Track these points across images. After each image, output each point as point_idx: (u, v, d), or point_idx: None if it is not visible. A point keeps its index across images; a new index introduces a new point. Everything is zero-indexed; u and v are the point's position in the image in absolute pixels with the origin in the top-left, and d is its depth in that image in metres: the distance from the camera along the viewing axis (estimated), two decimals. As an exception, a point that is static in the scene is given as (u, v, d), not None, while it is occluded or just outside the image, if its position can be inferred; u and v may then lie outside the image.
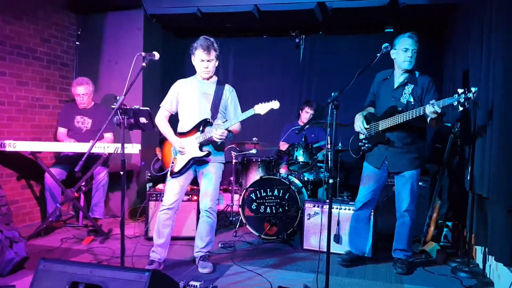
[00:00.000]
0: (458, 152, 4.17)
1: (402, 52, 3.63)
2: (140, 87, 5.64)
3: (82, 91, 5.01)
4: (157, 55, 3.22)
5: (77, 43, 5.84)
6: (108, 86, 5.80)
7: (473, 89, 3.08)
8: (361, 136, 3.92)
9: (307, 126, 5.13)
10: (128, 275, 2.28)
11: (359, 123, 3.85)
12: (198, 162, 3.62)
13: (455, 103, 3.16)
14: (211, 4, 5.47)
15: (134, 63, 3.18)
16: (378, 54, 3.29)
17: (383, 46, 3.25)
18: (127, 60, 5.56)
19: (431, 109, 3.26)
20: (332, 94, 2.98)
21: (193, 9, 5.51)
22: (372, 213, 4.03)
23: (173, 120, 3.78)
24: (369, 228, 4.01)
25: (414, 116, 3.44)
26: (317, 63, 6.46)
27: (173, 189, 3.63)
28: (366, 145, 3.87)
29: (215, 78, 3.76)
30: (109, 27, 5.86)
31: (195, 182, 3.89)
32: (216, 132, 3.44)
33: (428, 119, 3.46)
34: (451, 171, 4.44)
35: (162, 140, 3.99)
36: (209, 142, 3.58)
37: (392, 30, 6.03)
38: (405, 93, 3.68)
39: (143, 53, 3.20)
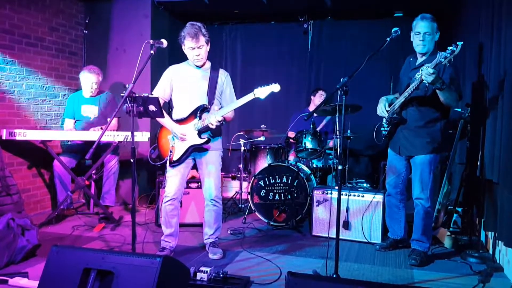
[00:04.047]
0: (468, 137, 4.14)
1: (415, 36, 3.55)
2: (148, 75, 5.64)
3: (92, 79, 5.00)
4: (165, 43, 3.20)
5: (85, 31, 5.84)
6: (117, 74, 5.81)
7: (458, 43, 3.01)
8: (384, 120, 3.84)
9: (315, 114, 5.13)
10: (140, 260, 2.30)
11: (381, 106, 3.78)
12: (197, 150, 3.61)
13: (443, 60, 3.08)
14: (219, -10, 5.45)
15: (142, 50, 3.17)
16: (388, 39, 3.26)
17: (393, 30, 3.20)
18: (135, 48, 5.65)
19: (425, 71, 3.16)
20: (341, 79, 2.96)
21: (200, -4, 5.49)
22: (404, 198, 3.94)
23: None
24: (402, 213, 3.94)
25: (417, 85, 3.34)
26: (325, 49, 6.42)
27: (174, 179, 3.63)
28: (386, 128, 3.80)
29: (209, 64, 3.70)
30: (117, 15, 5.86)
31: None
32: (214, 119, 3.42)
33: (437, 91, 3.35)
34: (461, 157, 4.41)
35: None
36: (207, 128, 3.56)
37: (401, 14, 5.98)
38: (421, 71, 3.55)
39: (151, 41, 3.18)
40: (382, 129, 3.85)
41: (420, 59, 3.65)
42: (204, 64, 3.65)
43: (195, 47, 3.49)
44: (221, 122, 3.50)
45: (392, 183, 3.89)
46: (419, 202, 3.66)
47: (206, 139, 3.56)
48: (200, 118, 3.54)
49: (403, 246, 4.00)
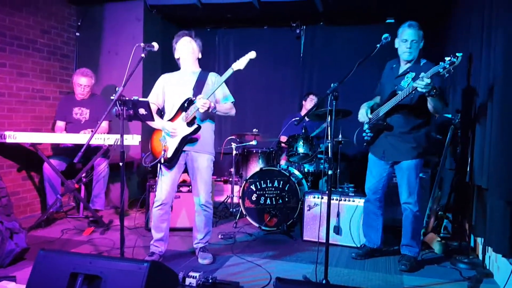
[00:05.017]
0: (458, 143, 4.16)
1: (402, 43, 3.55)
2: (140, 78, 5.63)
3: (85, 82, 5.01)
4: (156, 46, 3.20)
5: (77, 34, 5.82)
6: (109, 77, 5.80)
7: (458, 55, 3.03)
8: (365, 126, 3.85)
9: (307, 119, 5.14)
10: (127, 265, 2.30)
11: (363, 112, 3.78)
12: (189, 141, 3.58)
13: (441, 70, 3.09)
14: (211, -6, 5.45)
15: (133, 54, 3.16)
16: (378, 45, 3.28)
17: (383, 36, 3.22)
18: (127, 51, 5.58)
19: (421, 82, 3.16)
20: (332, 85, 2.97)
21: (193, 0, 5.48)
22: (382, 206, 3.92)
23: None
24: (380, 220, 3.92)
25: (407, 93, 3.35)
26: (318, 54, 6.44)
27: (165, 184, 3.63)
28: (368, 134, 3.80)
29: (199, 69, 3.76)
30: (109, 18, 5.85)
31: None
32: (199, 102, 3.40)
33: (428, 100, 3.37)
34: (451, 162, 4.44)
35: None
36: (194, 118, 3.55)
37: (393, 21, 6.00)
38: (406, 79, 3.58)
39: (142, 44, 3.18)
40: (364, 134, 3.85)
41: (404, 66, 3.67)
42: (195, 63, 3.74)
43: (188, 41, 3.65)
44: (209, 108, 3.45)
45: (373, 188, 3.87)
46: (408, 206, 3.66)
47: (195, 126, 3.54)
48: (186, 110, 3.54)
49: (379, 255, 3.98)
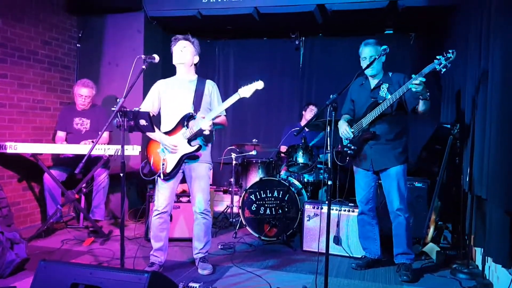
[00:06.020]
0: (457, 153, 4.17)
1: (363, 61, 3.68)
2: (140, 90, 5.65)
3: (86, 93, 5.04)
4: (157, 58, 3.23)
5: (78, 45, 5.86)
6: (109, 88, 5.82)
7: (450, 51, 3.18)
8: (345, 142, 3.87)
9: (306, 129, 5.16)
10: (127, 276, 2.30)
11: (345, 127, 3.82)
12: (189, 158, 3.59)
13: (438, 67, 3.21)
14: (212, 7, 5.50)
15: (134, 65, 3.19)
16: (376, 56, 3.31)
17: (382, 48, 3.27)
18: (128, 62, 5.65)
19: (415, 81, 3.25)
20: (331, 96, 3.00)
21: (193, 12, 5.54)
22: (375, 215, 3.95)
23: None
24: (376, 230, 3.94)
25: (399, 96, 3.44)
26: (317, 65, 6.48)
27: (164, 193, 3.63)
28: (352, 147, 3.82)
29: (195, 76, 3.77)
30: (110, 30, 5.89)
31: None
32: (205, 124, 3.42)
33: (418, 104, 3.49)
34: (451, 173, 4.45)
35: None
36: (197, 135, 3.56)
37: (391, 32, 6.05)
38: (382, 89, 3.69)
39: (143, 56, 3.21)
40: (346, 149, 3.86)
41: (373, 81, 3.80)
42: (190, 68, 3.73)
43: (182, 46, 3.65)
44: (212, 127, 3.49)
45: (364, 199, 3.89)
46: (401, 213, 3.69)
47: (197, 146, 3.56)
48: (187, 126, 3.55)
49: (379, 265, 3.97)
